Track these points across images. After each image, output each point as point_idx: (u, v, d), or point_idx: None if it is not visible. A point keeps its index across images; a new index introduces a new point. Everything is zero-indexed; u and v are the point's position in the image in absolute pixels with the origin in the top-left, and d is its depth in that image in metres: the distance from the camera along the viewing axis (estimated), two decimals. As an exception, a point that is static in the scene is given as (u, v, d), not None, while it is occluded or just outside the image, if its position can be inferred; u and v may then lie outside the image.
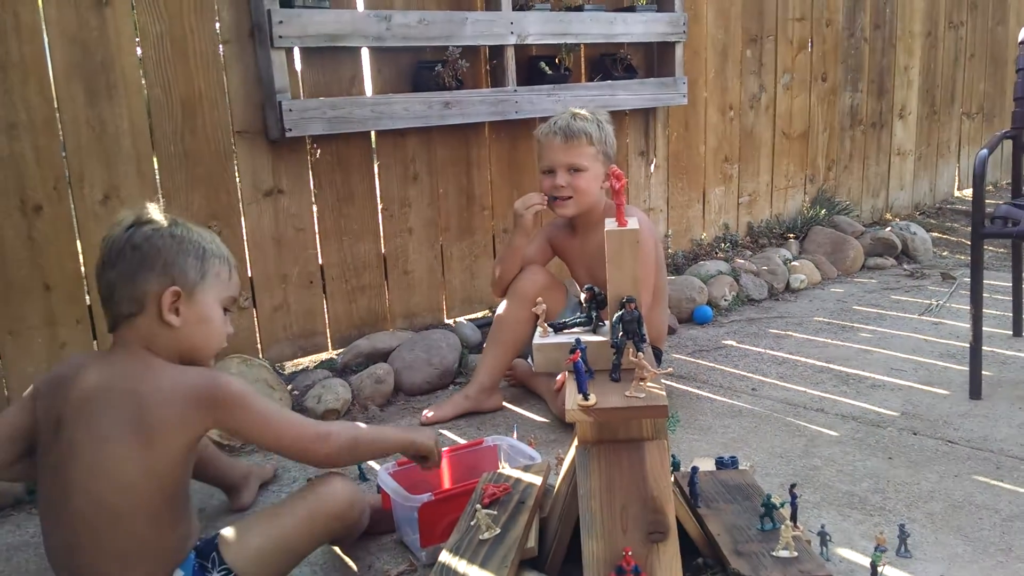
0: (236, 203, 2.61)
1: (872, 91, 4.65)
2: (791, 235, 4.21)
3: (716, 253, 3.90)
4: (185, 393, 1.37)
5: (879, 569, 1.51)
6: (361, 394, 2.56)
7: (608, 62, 3.38)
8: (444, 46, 2.84)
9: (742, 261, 3.78)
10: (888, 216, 4.93)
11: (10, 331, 2.27)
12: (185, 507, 1.45)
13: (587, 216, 2.44)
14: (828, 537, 1.62)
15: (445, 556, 1.40)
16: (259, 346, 2.69)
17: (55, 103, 2.27)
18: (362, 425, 1.57)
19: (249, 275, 2.66)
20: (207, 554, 1.42)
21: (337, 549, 1.75)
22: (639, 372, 1.29)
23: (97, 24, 2.31)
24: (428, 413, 2.44)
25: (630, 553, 1.17)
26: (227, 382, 1.41)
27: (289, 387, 2.57)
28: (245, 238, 2.64)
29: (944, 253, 4.38)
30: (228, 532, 1.46)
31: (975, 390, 2.39)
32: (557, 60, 3.18)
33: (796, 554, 1.31)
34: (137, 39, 2.40)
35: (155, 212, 1.48)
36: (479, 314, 3.20)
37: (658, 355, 2.53)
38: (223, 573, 1.41)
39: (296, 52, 2.63)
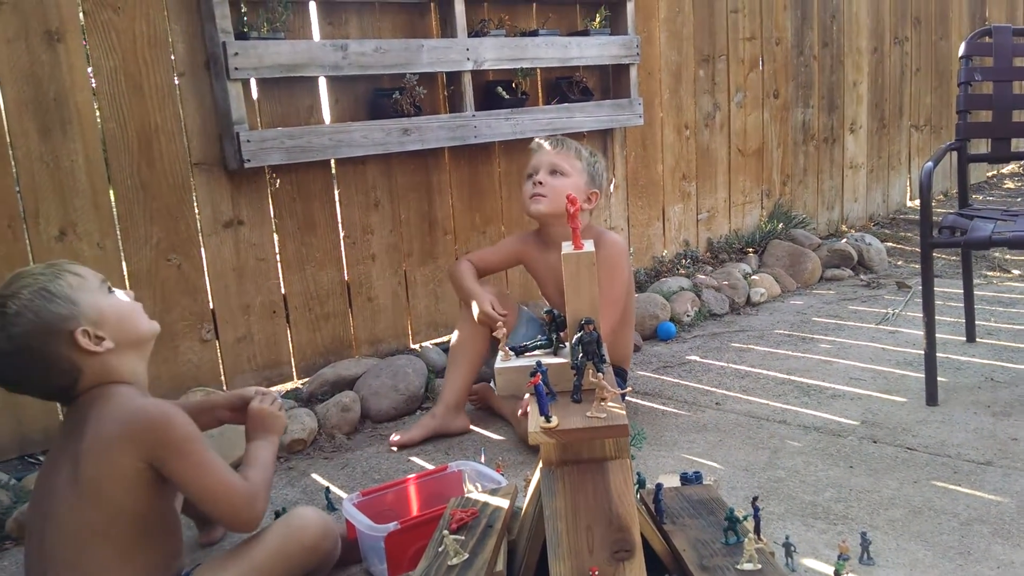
0: (195, 235, 2.59)
1: (823, 107, 4.76)
2: (750, 249, 4.28)
3: (677, 270, 3.95)
4: (118, 430, 1.35)
5: (842, 577, 1.54)
6: (327, 423, 2.55)
7: (564, 85, 3.42)
8: (401, 73, 2.86)
9: (703, 277, 3.83)
10: (844, 228, 5.04)
11: (-35, 372, 2.22)
12: (158, 537, 1.43)
13: (562, 232, 2.47)
14: (793, 548, 1.65)
15: (414, 583, 1.40)
16: (223, 378, 2.67)
17: (7, 138, 2.25)
18: (255, 471, 1.49)
19: (211, 307, 2.64)
20: (184, 591, 1.41)
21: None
22: (600, 392, 1.30)
23: (49, 59, 2.30)
24: (395, 437, 2.44)
25: (596, 573, 1.18)
26: (170, 424, 1.37)
27: (254, 418, 2.54)
28: (206, 270, 2.62)
29: (899, 262, 4.48)
30: (203, 568, 1.45)
31: (931, 397, 2.45)
32: (514, 84, 3.22)
33: (760, 566, 1.33)
34: (91, 73, 2.39)
35: None
36: (445, 338, 3.20)
37: (623, 375, 2.55)
38: None
39: (252, 83, 2.64)
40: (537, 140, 2.52)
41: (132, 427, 1.35)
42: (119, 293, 1.50)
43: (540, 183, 2.42)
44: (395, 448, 2.42)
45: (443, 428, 2.49)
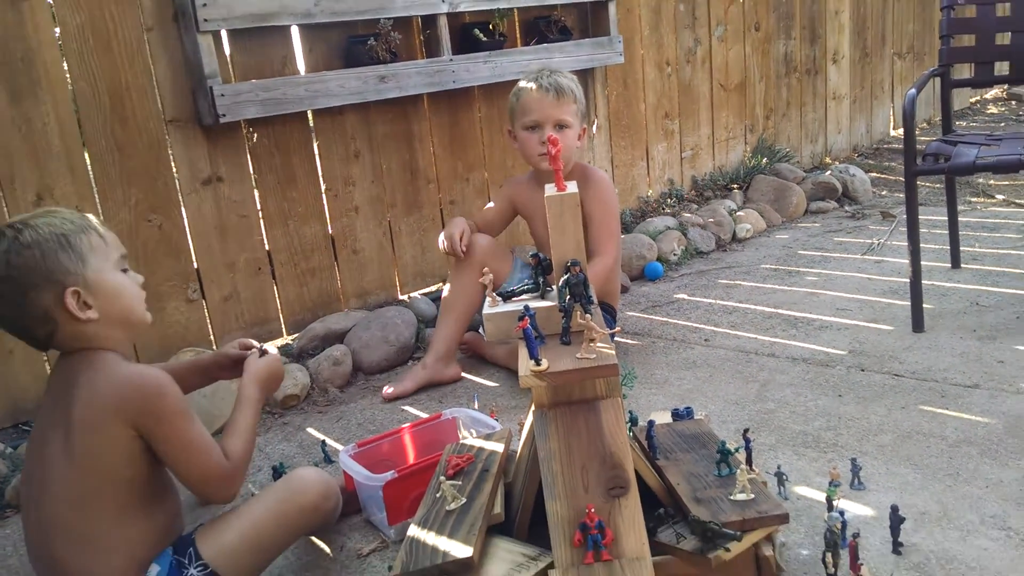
0: (175, 194, 2.56)
1: (805, 37, 4.70)
2: (735, 186, 4.26)
3: (663, 209, 3.94)
4: (110, 399, 1.34)
5: (834, 503, 1.57)
6: (320, 377, 2.56)
7: (543, 25, 3.36)
8: (375, 19, 2.80)
9: (689, 215, 3.83)
10: (827, 160, 5.02)
11: (-49, 342, 2.21)
12: (156, 498, 1.43)
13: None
14: (784, 476, 1.68)
15: (413, 530, 1.41)
16: (211, 337, 2.66)
17: (-25, 104, 2.20)
18: (237, 442, 1.47)
19: (195, 266, 2.62)
20: (183, 550, 1.42)
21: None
22: (588, 333, 1.31)
23: (14, 20, 2.23)
24: (388, 389, 2.45)
25: (593, 510, 1.19)
26: (162, 395, 1.36)
27: (246, 376, 2.55)
28: (188, 229, 2.59)
29: (883, 192, 4.48)
30: (205, 529, 1.46)
31: (917, 323, 2.47)
32: (491, 26, 3.16)
33: (753, 496, 1.35)
34: (57, 32, 2.33)
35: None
36: (432, 288, 3.20)
37: (613, 313, 2.57)
38: (200, 569, 1.41)
39: (224, 35, 2.58)
40: (530, 87, 2.42)
41: (124, 394, 1.34)
42: (131, 274, 1.48)
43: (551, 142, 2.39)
44: (388, 400, 2.44)
45: (435, 377, 2.50)
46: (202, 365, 1.75)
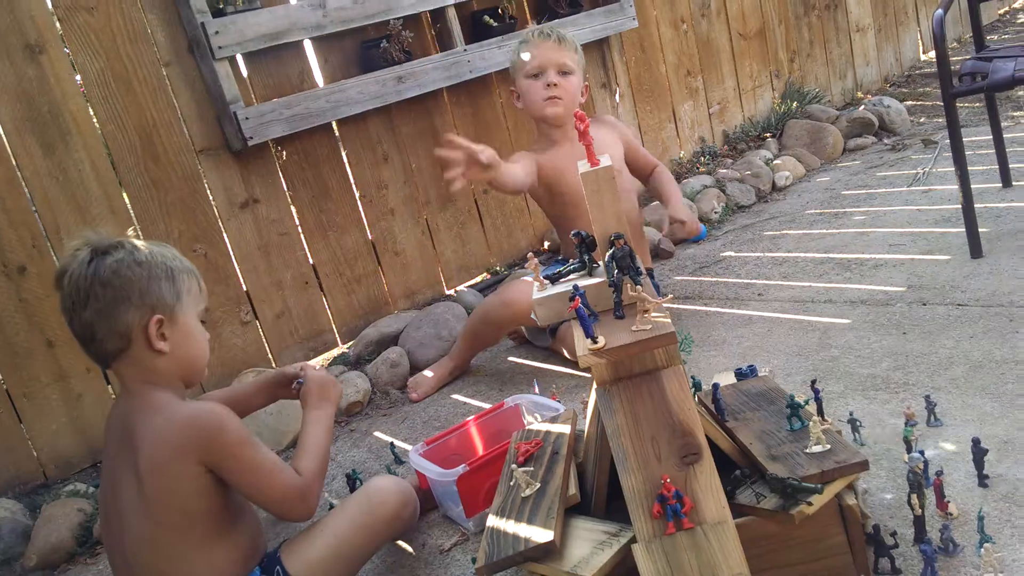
0: (215, 221, 2.60)
1: (819, -27, 4.58)
2: (768, 134, 4.19)
3: (697, 168, 3.89)
4: (173, 440, 1.36)
5: (912, 443, 1.53)
6: (379, 381, 2.58)
7: (551, 1, 3.33)
8: (385, 20, 2.80)
9: (724, 171, 3.77)
10: (860, 95, 4.90)
11: (24, 394, 2.28)
12: (234, 522, 1.46)
13: (566, 128, 2.48)
14: (858, 423, 1.65)
15: (492, 520, 1.42)
16: (270, 356, 2.70)
17: (12, 160, 2.26)
18: (308, 460, 1.50)
19: (244, 289, 2.66)
20: (271, 568, 1.45)
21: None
22: (641, 305, 1.29)
23: (35, 74, 2.28)
24: (412, 394, 2.51)
25: (668, 480, 1.19)
26: (223, 429, 1.38)
27: (308, 389, 2.59)
28: (232, 254, 2.64)
29: (921, 120, 4.36)
30: (290, 544, 1.49)
31: (975, 249, 2.40)
32: (500, 10, 3.14)
33: (829, 446, 1.33)
34: (79, 79, 2.37)
35: (107, 237, 1.44)
36: (477, 279, 3.21)
37: (651, 274, 2.55)
38: None
39: (240, 59, 2.60)
40: (530, 38, 2.43)
41: (187, 434, 1.36)
42: (204, 329, 1.53)
43: (555, 85, 2.38)
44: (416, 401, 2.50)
45: (451, 378, 2.58)
46: (263, 386, 1.79)
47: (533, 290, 1.49)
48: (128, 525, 1.39)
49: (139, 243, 1.45)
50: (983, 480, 1.44)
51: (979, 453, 1.43)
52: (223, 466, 1.38)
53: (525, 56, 2.42)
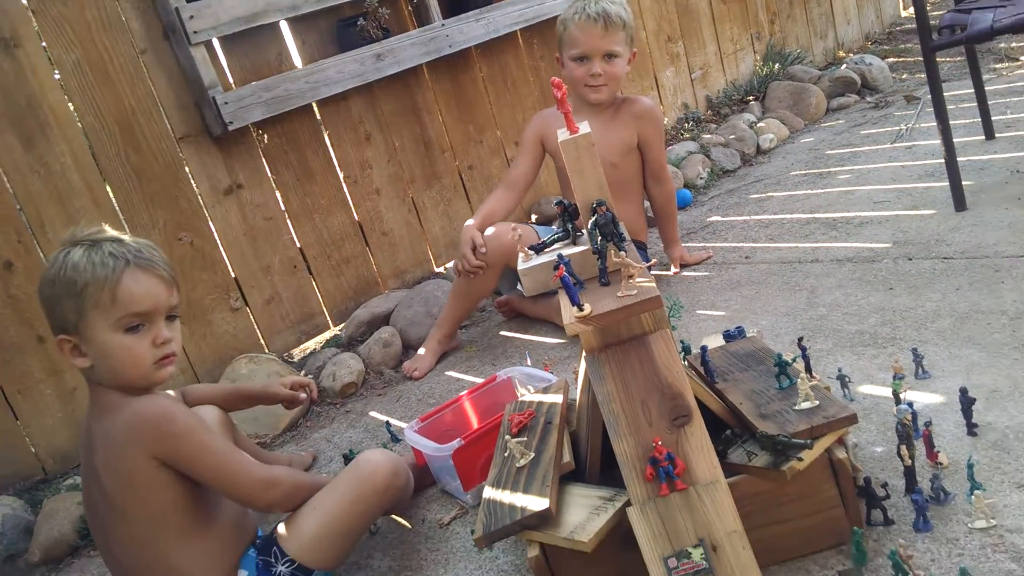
0: (199, 209, 2.59)
1: (797, -68, 4.55)
2: (751, 97, 4.18)
3: (681, 135, 3.88)
4: (121, 438, 1.35)
5: (901, 395, 1.55)
6: (372, 361, 2.59)
7: (528, -29, 3.30)
8: (360, -1, 2.78)
9: (709, 136, 3.77)
10: (841, 54, 4.89)
11: (18, 390, 2.28)
12: (212, 508, 1.47)
13: (602, 105, 2.48)
14: (847, 379, 1.66)
15: (488, 492, 1.43)
16: (262, 341, 2.71)
17: (-8, 157, 2.24)
18: (303, 474, 1.54)
19: (233, 275, 2.65)
20: (268, 549, 1.46)
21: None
22: (626, 271, 1.30)
23: (12, 68, 2.26)
24: (415, 373, 2.49)
25: (660, 443, 1.20)
26: (169, 420, 1.37)
27: (302, 372, 2.59)
28: (218, 240, 2.63)
29: (904, 76, 4.35)
30: (283, 526, 1.50)
31: (959, 202, 2.41)
32: (476, -17, 3.11)
33: (817, 402, 1.34)
34: (55, 72, 2.35)
35: (76, 236, 1.40)
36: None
37: (644, 248, 2.55)
38: (288, 565, 1.45)
39: (216, 43, 2.58)
40: (576, 15, 2.34)
41: (134, 430, 1.36)
42: (168, 331, 1.42)
43: (599, 74, 2.37)
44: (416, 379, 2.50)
45: (445, 350, 2.59)
46: (247, 394, 1.87)
47: (519, 261, 1.50)
48: (105, 526, 1.41)
49: (76, 250, 1.37)
50: (972, 429, 1.46)
51: (967, 403, 1.44)
52: (177, 455, 1.37)
53: (572, 35, 2.37)
